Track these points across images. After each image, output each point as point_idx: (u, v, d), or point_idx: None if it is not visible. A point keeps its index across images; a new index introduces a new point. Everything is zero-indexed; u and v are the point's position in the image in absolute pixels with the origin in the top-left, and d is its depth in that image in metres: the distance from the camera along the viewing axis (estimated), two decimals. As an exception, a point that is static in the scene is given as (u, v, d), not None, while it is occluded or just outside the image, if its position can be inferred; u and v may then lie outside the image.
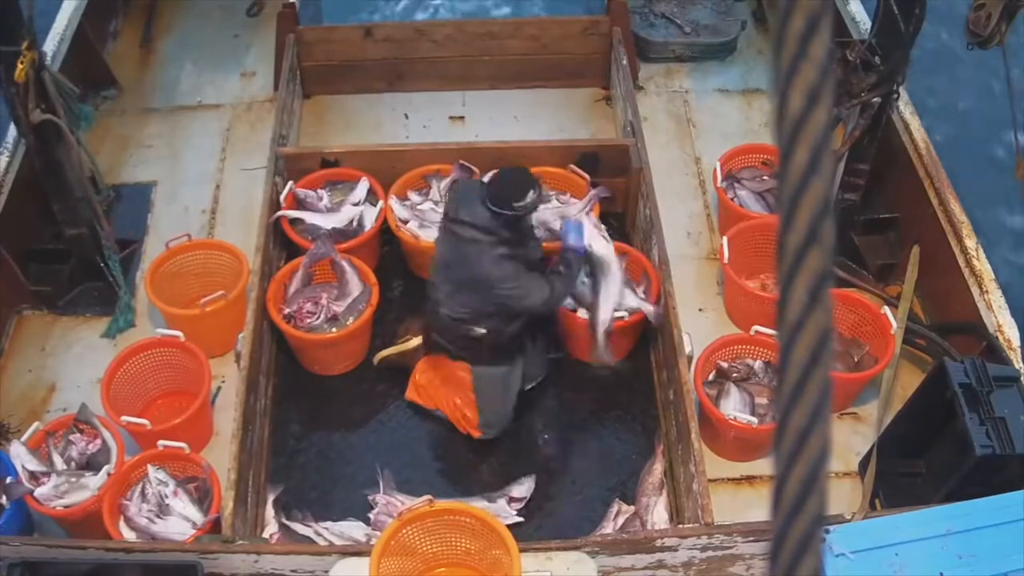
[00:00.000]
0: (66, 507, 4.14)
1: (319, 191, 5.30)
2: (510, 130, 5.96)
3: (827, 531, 3.42)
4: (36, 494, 4.12)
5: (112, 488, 4.14)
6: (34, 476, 4.20)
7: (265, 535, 4.24)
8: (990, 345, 4.44)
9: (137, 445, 4.45)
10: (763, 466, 4.55)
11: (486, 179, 4.48)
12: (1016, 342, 4.43)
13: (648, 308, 4.67)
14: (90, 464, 4.30)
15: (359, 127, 6.13)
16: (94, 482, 4.18)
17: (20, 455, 4.23)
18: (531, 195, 4.13)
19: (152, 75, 6.49)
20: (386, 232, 5.24)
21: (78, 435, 4.36)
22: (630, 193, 5.33)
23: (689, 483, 4.08)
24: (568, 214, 5.19)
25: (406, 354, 4.78)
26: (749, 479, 4.54)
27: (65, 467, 4.28)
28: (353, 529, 4.27)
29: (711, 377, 4.63)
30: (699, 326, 4.91)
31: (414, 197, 5.34)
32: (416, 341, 4.74)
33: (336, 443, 4.72)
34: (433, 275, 4.41)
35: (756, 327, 4.62)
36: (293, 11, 6.08)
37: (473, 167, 5.35)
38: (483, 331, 4.27)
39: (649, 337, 4.93)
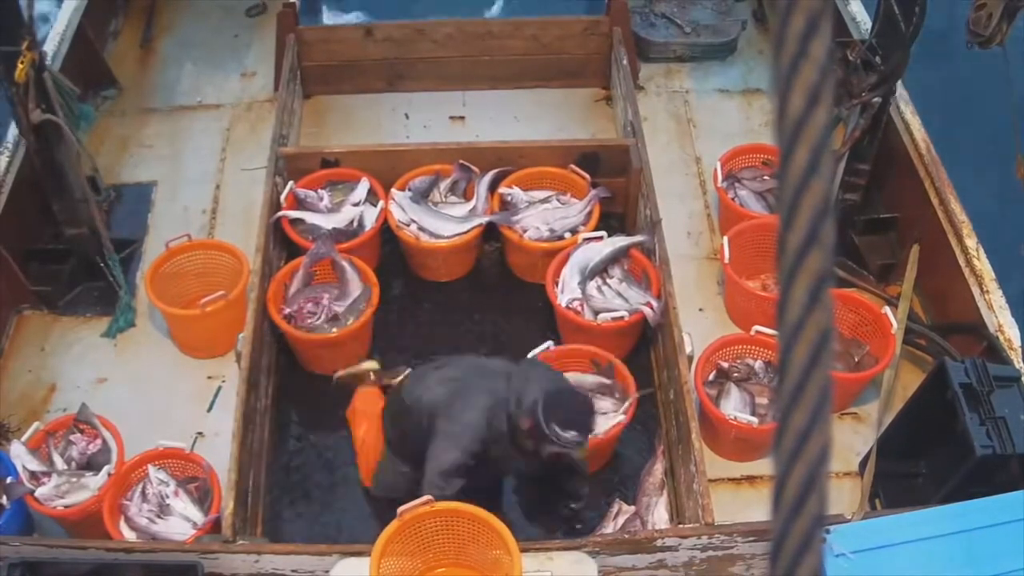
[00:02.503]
0: (66, 507, 4.14)
1: (319, 191, 5.30)
2: (510, 130, 5.96)
3: (827, 531, 3.42)
4: (36, 494, 4.12)
5: (112, 488, 4.14)
6: (34, 476, 4.20)
7: None
8: (990, 345, 4.44)
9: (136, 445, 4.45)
10: (763, 466, 4.55)
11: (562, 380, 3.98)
12: (1016, 342, 4.43)
13: (648, 312, 4.67)
14: (90, 464, 4.30)
15: (359, 127, 6.13)
16: (94, 482, 4.18)
17: (20, 455, 4.23)
18: (572, 435, 3.67)
19: (152, 75, 6.49)
20: (386, 232, 5.24)
21: (78, 435, 4.37)
22: (630, 193, 5.33)
23: (689, 483, 4.08)
24: (568, 214, 5.20)
25: (360, 376, 4.56)
26: (749, 479, 4.53)
27: (65, 467, 4.28)
28: None
29: (711, 377, 4.63)
30: (699, 326, 4.91)
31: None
32: (371, 364, 4.58)
33: (336, 443, 4.71)
34: (448, 362, 4.19)
35: (756, 327, 4.62)
36: (293, 11, 6.08)
37: (473, 167, 5.35)
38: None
39: (649, 337, 4.93)
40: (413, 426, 4.00)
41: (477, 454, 3.81)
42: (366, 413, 4.40)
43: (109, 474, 4.20)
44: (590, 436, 3.90)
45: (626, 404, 4.40)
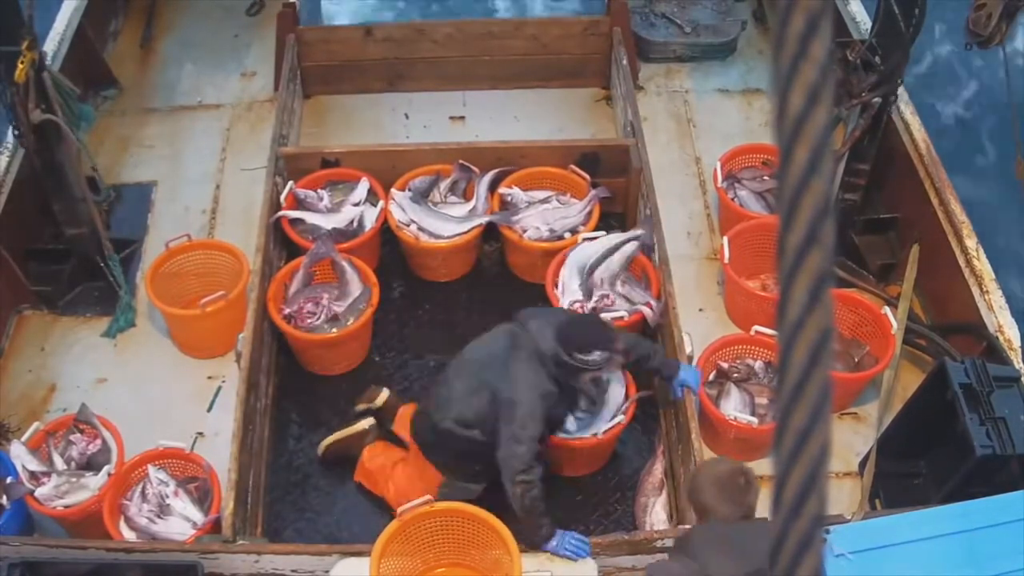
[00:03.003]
0: (66, 507, 4.14)
1: (319, 191, 5.30)
2: (510, 130, 5.96)
3: (827, 531, 3.42)
4: (36, 494, 4.12)
5: (112, 488, 4.14)
6: (34, 476, 4.20)
7: None
8: (990, 345, 4.44)
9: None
10: (763, 466, 4.54)
11: (567, 311, 4.22)
12: (1016, 342, 4.43)
13: (647, 312, 4.67)
14: (90, 464, 4.29)
15: (359, 127, 6.13)
16: (94, 482, 4.17)
17: (20, 455, 4.23)
18: (596, 355, 3.80)
19: (152, 75, 6.49)
20: (386, 232, 5.24)
21: (78, 435, 4.36)
22: (630, 193, 5.33)
23: (689, 483, 4.08)
24: (568, 214, 5.20)
25: (352, 439, 4.49)
26: (749, 479, 4.53)
27: (65, 467, 4.28)
28: None
29: (711, 377, 4.63)
30: (699, 326, 4.91)
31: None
32: (364, 425, 4.50)
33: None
34: (455, 369, 4.09)
35: (756, 327, 4.62)
36: (293, 11, 6.09)
37: (473, 167, 5.35)
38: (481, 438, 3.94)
39: (649, 337, 4.92)
40: (468, 443, 3.97)
41: (542, 432, 3.88)
42: (384, 470, 4.35)
43: (109, 474, 4.19)
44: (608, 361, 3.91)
45: (626, 404, 4.40)
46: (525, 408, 3.78)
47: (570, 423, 4.37)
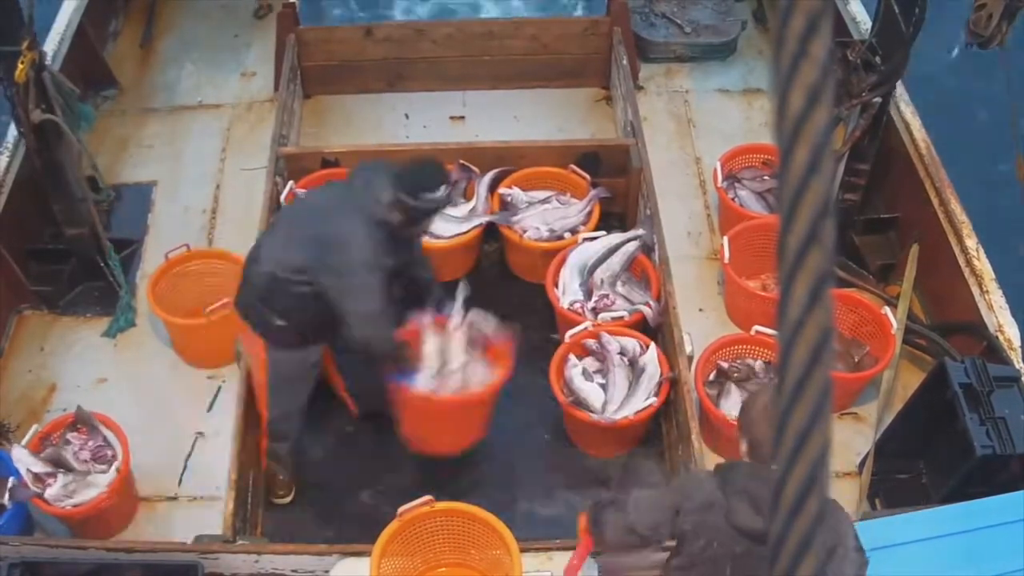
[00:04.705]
0: (75, 506, 4.13)
1: (319, 191, 5.29)
2: (510, 130, 5.95)
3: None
4: (46, 495, 4.11)
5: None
6: (38, 478, 4.18)
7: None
8: (990, 345, 4.44)
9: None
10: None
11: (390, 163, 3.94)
12: (1016, 342, 4.42)
13: (647, 312, 4.67)
14: (94, 462, 4.28)
15: (359, 127, 6.13)
16: (103, 479, 4.17)
17: (23, 458, 4.19)
18: (442, 191, 3.75)
19: (152, 75, 6.49)
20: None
21: (75, 434, 4.35)
22: (630, 193, 5.33)
23: (689, 483, 4.08)
24: (568, 214, 5.20)
25: None
26: (749, 479, 4.53)
27: (68, 467, 4.26)
28: None
29: (711, 377, 4.63)
30: (699, 326, 4.91)
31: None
32: None
33: (336, 443, 4.71)
34: (272, 225, 4.19)
35: (756, 327, 4.62)
36: (293, 11, 6.09)
37: (473, 167, 5.35)
38: (282, 323, 3.88)
39: (649, 337, 4.92)
40: (291, 298, 3.83)
41: (384, 281, 3.74)
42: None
43: (117, 471, 4.18)
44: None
45: (658, 386, 4.40)
46: (361, 258, 3.65)
47: (597, 399, 4.36)
